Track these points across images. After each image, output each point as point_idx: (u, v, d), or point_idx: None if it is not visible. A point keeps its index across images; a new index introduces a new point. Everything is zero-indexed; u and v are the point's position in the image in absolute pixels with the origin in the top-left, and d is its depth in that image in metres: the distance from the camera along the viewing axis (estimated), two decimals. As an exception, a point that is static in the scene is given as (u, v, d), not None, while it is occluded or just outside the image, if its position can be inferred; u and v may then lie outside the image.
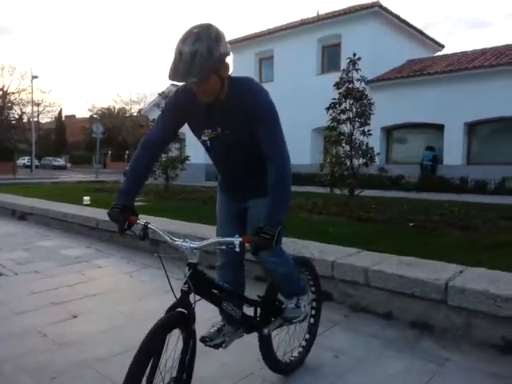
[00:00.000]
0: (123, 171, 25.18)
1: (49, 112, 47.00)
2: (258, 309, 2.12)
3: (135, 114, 46.27)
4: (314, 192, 9.98)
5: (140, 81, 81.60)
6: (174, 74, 1.59)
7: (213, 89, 1.68)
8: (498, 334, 2.64)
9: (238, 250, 1.57)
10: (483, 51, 15.49)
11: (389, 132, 15.94)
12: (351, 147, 7.83)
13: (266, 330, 2.11)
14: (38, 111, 44.13)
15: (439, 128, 14.38)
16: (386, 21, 16.61)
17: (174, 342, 1.59)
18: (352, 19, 16.42)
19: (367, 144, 7.83)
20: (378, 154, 8.26)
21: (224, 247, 1.72)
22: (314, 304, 2.52)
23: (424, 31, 18.91)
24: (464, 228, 5.36)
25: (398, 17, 16.96)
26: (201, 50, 1.54)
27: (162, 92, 12.05)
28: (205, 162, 16.20)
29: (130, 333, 2.77)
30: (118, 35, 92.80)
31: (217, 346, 1.94)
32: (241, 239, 1.58)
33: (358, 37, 15.76)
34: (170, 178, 11.61)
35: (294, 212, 6.34)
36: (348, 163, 7.81)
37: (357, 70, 7.87)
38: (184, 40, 1.57)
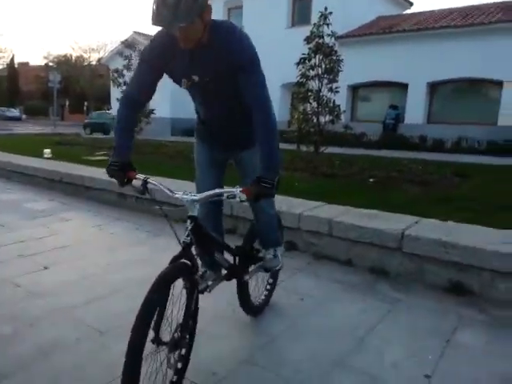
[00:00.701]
0: (83, 124, 24.27)
1: (0, 58, 43.72)
2: (237, 258, 2.24)
3: (94, 62, 43.76)
4: (281, 149, 10.01)
5: (99, 27, 76.54)
6: (158, 19, 1.50)
7: (196, 34, 1.60)
8: (445, 277, 2.92)
9: (238, 200, 1.62)
10: (450, 11, 15.59)
11: (355, 90, 16.05)
12: (318, 104, 7.91)
13: (246, 277, 2.25)
14: (-12, 56, 40.94)
15: (403, 87, 14.64)
16: (357, -26, 16.22)
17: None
18: (323, -30, 15.92)
19: (334, 101, 7.92)
20: (344, 111, 8.40)
21: (224, 197, 1.75)
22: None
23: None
24: (421, 183, 5.67)
25: (368, -30, 16.60)
26: None
27: (126, 40, 11.51)
28: (170, 116, 15.86)
29: (103, 282, 2.86)
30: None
31: (202, 291, 1.99)
32: (241, 189, 1.62)
33: (328, -11, 15.36)
34: (135, 133, 11.32)
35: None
36: (315, 120, 7.91)
37: (327, 24, 7.79)
38: None
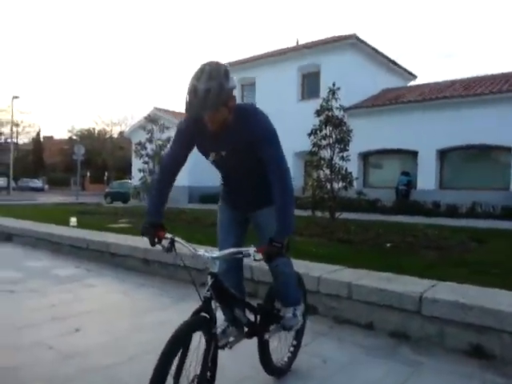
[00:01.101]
0: (104, 193, 25.16)
1: (28, 133, 46.59)
2: (258, 316, 2.37)
3: (115, 135, 46.21)
4: (296, 215, 10.22)
5: (121, 102, 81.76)
6: (191, 108, 1.82)
7: (222, 118, 1.91)
8: (465, 340, 2.95)
9: (252, 258, 1.80)
10: (452, 82, 16.50)
11: (365, 157, 16.59)
12: (331, 171, 8.25)
13: (267, 335, 2.36)
14: (17, 131, 43.67)
15: (413, 154, 15.10)
16: (362, 52, 17.54)
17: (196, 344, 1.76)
18: (330, 49, 17.28)
19: (346, 169, 8.26)
20: (357, 178, 8.72)
21: (241, 256, 1.92)
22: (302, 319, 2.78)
23: (397, 61, 19.99)
24: (437, 248, 5.74)
25: (373, 48, 17.93)
26: (213, 87, 1.77)
27: (148, 115, 12.37)
28: (188, 185, 16.45)
29: (131, 344, 2.97)
30: (99, 57, 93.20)
31: (222, 347, 2.12)
32: (255, 249, 1.82)
33: (335, 66, 16.57)
34: (155, 200, 11.74)
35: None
36: (328, 186, 8.20)
37: (336, 99, 8.37)
38: (198, 77, 1.80)
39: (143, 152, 11.75)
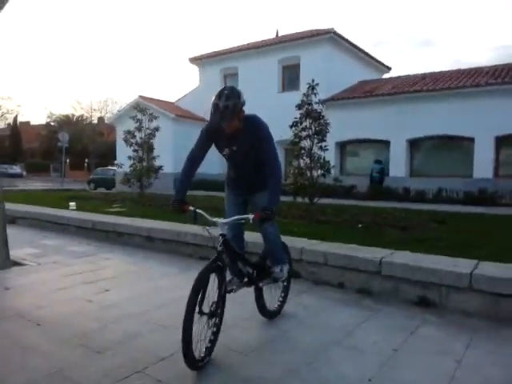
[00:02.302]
0: (87, 180, 25.41)
1: (6, 119, 45.77)
2: (255, 271, 3.19)
3: (95, 121, 45.89)
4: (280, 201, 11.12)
5: (100, 89, 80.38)
6: (214, 119, 2.68)
7: (234, 125, 2.76)
8: (414, 293, 3.85)
9: (251, 222, 2.63)
10: (423, 76, 17.55)
11: (342, 146, 17.56)
12: (311, 160, 9.09)
13: (260, 284, 3.20)
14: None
15: (386, 143, 16.15)
16: (340, 45, 18.42)
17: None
18: (309, 43, 18.07)
19: (324, 158, 9.11)
20: (333, 166, 9.59)
21: (243, 221, 2.76)
22: (287, 274, 3.61)
23: (374, 49, 21.19)
24: (400, 227, 6.68)
25: (350, 42, 18.82)
26: (230, 105, 2.63)
27: (137, 105, 12.96)
28: (173, 172, 17.06)
29: (154, 299, 3.76)
30: (77, 41, 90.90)
31: (229, 291, 2.92)
32: (253, 215, 2.64)
33: (314, 59, 17.42)
34: (144, 187, 12.37)
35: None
36: (308, 174, 9.04)
37: (315, 94, 9.17)
38: (219, 97, 2.63)
39: (133, 140, 12.32)
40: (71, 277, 4.41)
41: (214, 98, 2.66)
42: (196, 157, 2.95)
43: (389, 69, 22.69)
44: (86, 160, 40.61)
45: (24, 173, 41.82)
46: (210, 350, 2.58)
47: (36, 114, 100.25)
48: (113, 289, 4.03)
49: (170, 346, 2.73)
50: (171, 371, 2.45)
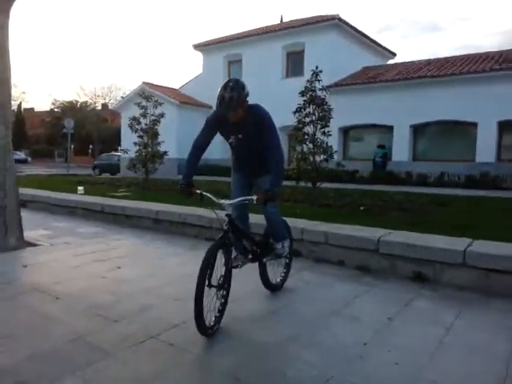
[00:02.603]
0: (92, 165, 25.64)
1: (11, 106, 45.78)
2: (259, 248, 3.40)
3: (99, 107, 45.94)
4: (283, 184, 11.30)
5: (103, 75, 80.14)
6: (220, 110, 2.87)
7: (238, 114, 2.93)
8: (410, 269, 4.06)
9: (254, 202, 2.83)
10: (428, 62, 17.50)
11: (345, 131, 17.63)
12: (314, 145, 9.23)
13: (264, 260, 3.41)
14: None
15: (389, 128, 16.22)
16: (345, 32, 18.33)
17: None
18: (314, 29, 18.01)
19: (327, 143, 9.26)
20: (336, 151, 9.74)
21: (247, 202, 2.97)
22: (288, 252, 3.81)
23: (379, 35, 21.00)
24: (401, 210, 6.87)
25: (355, 28, 18.73)
26: (235, 96, 2.80)
27: (142, 92, 13.04)
28: (177, 157, 17.24)
29: (165, 275, 3.98)
30: (80, 27, 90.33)
31: (235, 267, 3.14)
32: (256, 196, 2.83)
33: (319, 45, 17.39)
34: (149, 172, 12.57)
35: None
36: (311, 159, 9.20)
37: (319, 80, 9.26)
38: (225, 88, 2.82)
39: (138, 127, 12.47)
40: (84, 256, 4.64)
41: (219, 89, 2.84)
42: (201, 144, 3.13)
43: (394, 55, 22.55)
44: (91, 146, 40.85)
45: (29, 158, 42.19)
46: (218, 318, 2.81)
47: (40, 101, 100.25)
48: (124, 266, 4.26)
49: (181, 315, 2.96)
50: (183, 336, 2.67)
